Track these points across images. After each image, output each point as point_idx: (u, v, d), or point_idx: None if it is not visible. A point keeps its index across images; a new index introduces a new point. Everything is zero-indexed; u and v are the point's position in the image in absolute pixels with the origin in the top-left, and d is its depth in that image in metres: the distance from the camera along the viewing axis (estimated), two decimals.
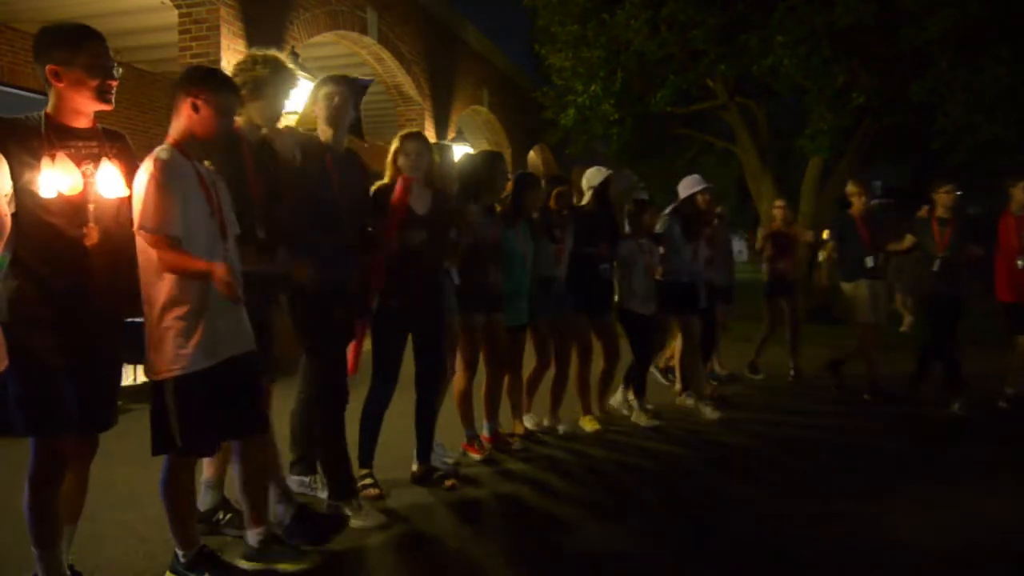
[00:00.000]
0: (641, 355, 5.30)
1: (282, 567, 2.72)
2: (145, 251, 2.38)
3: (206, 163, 2.60)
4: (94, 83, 2.22)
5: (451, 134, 11.65)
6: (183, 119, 2.48)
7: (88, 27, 2.27)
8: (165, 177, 2.33)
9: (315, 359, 3.33)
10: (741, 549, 3.05)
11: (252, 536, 2.74)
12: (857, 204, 6.08)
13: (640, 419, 5.18)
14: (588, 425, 5.04)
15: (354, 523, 3.18)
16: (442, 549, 3.04)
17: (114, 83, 2.27)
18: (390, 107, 11.37)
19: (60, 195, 2.17)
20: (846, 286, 6.09)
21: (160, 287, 2.39)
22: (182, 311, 2.39)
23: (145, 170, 2.35)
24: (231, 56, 7.12)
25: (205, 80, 2.53)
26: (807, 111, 11.17)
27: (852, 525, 3.31)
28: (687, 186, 5.56)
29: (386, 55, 10.37)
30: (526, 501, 3.65)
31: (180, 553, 2.58)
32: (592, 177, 5.17)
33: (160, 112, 10.02)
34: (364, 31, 9.66)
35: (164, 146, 2.47)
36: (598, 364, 5.18)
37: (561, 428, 4.93)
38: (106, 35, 2.38)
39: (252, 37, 7.42)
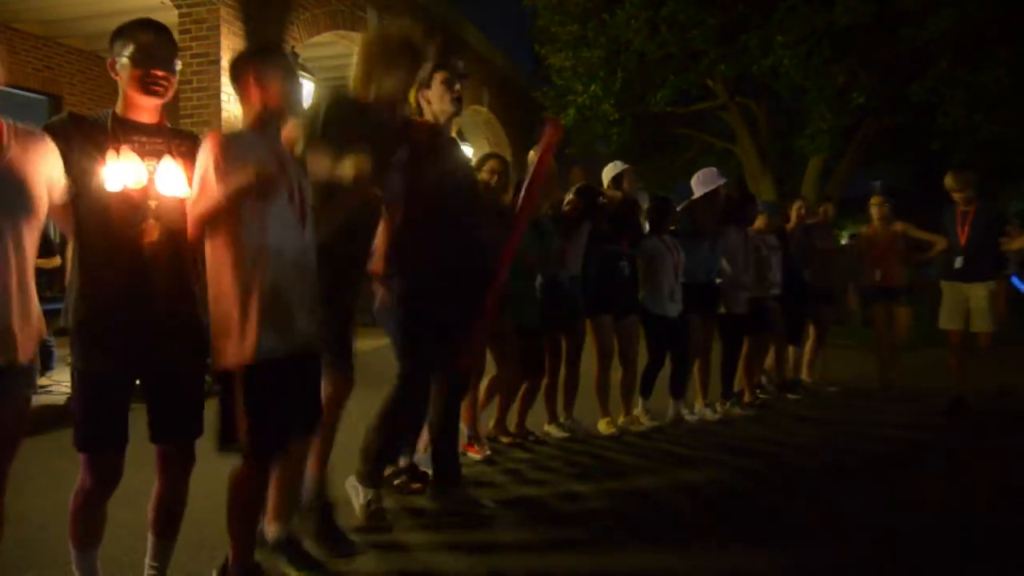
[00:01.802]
0: (656, 357, 5.16)
1: (287, 571, 2.63)
2: (211, 240, 2.31)
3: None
4: (137, 73, 2.17)
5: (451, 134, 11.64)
6: (253, 99, 2.43)
7: (149, 20, 2.25)
8: (223, 154, 2.25)
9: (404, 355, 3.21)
10: (743, 547, 3.05)
11: (269, 529, 2.66)
12: (959, 200, 5.61)
13: (642, 417, 5.16)
14: (604, 428, 4.98)
15: (358, 514, 3.16)
16: (442, 548, 3.04)
17: (161, 74, 2.20)
18: None
19: (125, 189, 2.15)
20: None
21: (228, 274, 2.30)
22: (252, 296, 2.30)
23: (203, 148, 2.28)
24: (231, 56, 7.12)
25: (252, 55, 2.50)
26: (807, 111, 11.19)
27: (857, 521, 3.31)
28: (704, 181, 5.26)
29: None
30: (525, 499, 3.65)
31: (231, 564, 2.45)
32: (609, 171, 5.10)
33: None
34: (364, 31, 9.66)
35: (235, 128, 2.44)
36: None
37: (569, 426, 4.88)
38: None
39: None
